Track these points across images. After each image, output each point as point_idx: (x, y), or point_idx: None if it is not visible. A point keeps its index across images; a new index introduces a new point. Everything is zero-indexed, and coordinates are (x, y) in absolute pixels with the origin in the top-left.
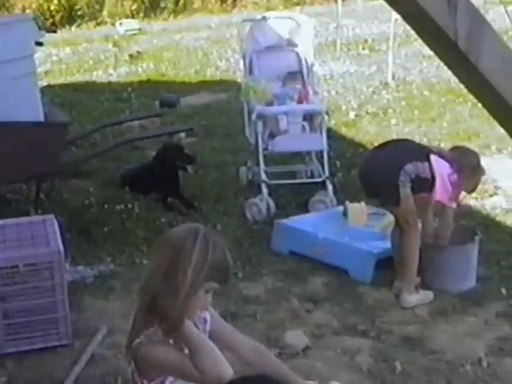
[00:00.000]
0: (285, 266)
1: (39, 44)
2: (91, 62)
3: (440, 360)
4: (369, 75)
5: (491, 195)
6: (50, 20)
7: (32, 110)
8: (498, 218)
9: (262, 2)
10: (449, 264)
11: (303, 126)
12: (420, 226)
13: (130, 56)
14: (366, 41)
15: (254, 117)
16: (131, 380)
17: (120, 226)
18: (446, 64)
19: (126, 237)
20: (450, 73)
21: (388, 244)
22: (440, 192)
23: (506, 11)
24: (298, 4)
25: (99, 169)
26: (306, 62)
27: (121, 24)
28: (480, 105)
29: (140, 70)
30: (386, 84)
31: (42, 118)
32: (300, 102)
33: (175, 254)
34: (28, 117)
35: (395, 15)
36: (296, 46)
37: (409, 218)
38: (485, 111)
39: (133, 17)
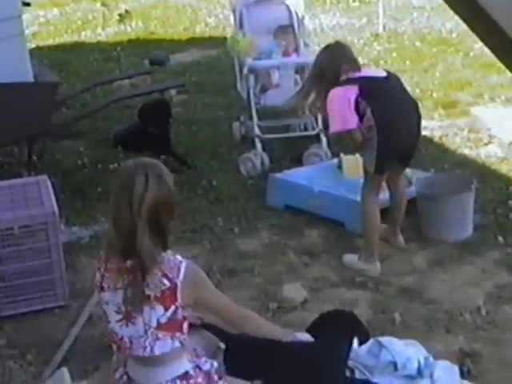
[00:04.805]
0: (281, 220)
1: (26, 4)
2: (79, 22)
3: (439, 310)
4: (359, 27)
5: (486, 144)
6: None
7: (21, 71)
8: (493, 167)
9: None
10: (445, 213)
11: (295, 79)
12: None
13: (119, 15)
14: None
15: (245, 71)
16: None
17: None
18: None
19: None
20: (441, 23)
21: (384, 195)
22: None
23: None
24: None
25: (91, 129)
26: (297, 15)
27: None
28: (472, 54)
29: (129, 28)
30: (377, 35)
31: (31, 79)
32: (286, 55)
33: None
34: (17, 78)
35: None
36: None
37: None
38: (477, 60)
39: None
